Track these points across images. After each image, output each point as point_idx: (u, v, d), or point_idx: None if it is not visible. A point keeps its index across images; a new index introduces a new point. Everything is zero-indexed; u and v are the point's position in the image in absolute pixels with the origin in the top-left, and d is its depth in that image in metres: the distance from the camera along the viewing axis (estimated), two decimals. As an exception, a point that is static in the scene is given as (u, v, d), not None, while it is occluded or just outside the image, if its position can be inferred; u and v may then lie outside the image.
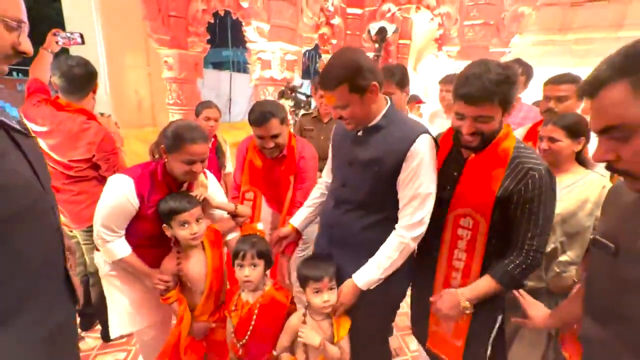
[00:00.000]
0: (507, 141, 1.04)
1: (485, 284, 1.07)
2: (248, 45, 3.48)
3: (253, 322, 1.23)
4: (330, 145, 1.35)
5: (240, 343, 1.25)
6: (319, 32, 4.67)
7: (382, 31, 4.12)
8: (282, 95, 3.03)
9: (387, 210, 1.16)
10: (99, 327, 2.00)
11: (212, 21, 4.51)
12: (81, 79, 1.62)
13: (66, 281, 0.84)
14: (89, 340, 1.96)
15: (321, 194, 1.44)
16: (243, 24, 5.11)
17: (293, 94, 3.02)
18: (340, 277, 1.21)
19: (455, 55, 4.32)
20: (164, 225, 1.24)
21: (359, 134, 1.16)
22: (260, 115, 1.51)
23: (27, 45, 0.72)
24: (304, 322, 1.21)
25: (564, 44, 4.79)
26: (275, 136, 1.56)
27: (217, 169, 2.33)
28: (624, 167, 0.55)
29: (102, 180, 1.69)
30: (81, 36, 1.84)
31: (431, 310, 1.19)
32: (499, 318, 1.17)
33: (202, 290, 1.32)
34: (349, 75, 1.03)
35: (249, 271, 1.21)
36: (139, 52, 5.00)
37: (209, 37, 4.39)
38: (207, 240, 1.36)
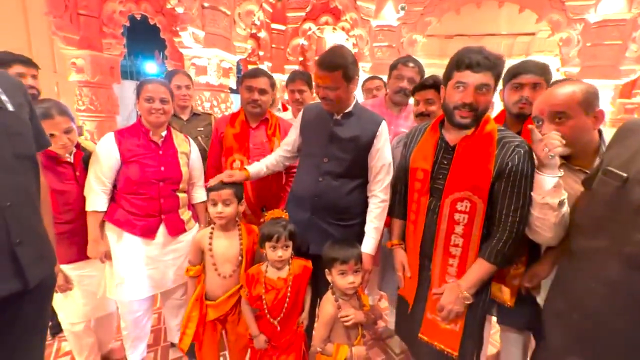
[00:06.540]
0: (491, 124, 1.10)
1: (478, 268, 1.10)
2: (181, 50, 3.38)
3: (289, 294, 1.29)
4: (300, 128, 1.52)
5: (277, 320, 1.30)
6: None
7: None
8: None
9: (362, 177, 1.44)
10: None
11: (128, 24, 4.21)
12: None
13: (12, 259, 0.84)
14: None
15: (276, 162, 1.59)
16: (160, 29, 4.85)
17: None
18: (326, 239, 1.34)
19: (368, 70, 5.03)
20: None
21: (338, 117, 1.39)
22: (255, 70, 1.78)
23: None
24: (339, 307, 1.24)
25: (443, 66, 6.09)
26: (262, 92, 1.70)
27: None
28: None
29: None
30: None
31: (429, 298, 1.19)
32: (485, 292, 1.17)
33: (226, 274, 1.37)
34: (345, 64, 1.26)
35: (282, 252, 1.27)
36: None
37: (125, 40, 4.09)
38: (244, 227, 1.42)
